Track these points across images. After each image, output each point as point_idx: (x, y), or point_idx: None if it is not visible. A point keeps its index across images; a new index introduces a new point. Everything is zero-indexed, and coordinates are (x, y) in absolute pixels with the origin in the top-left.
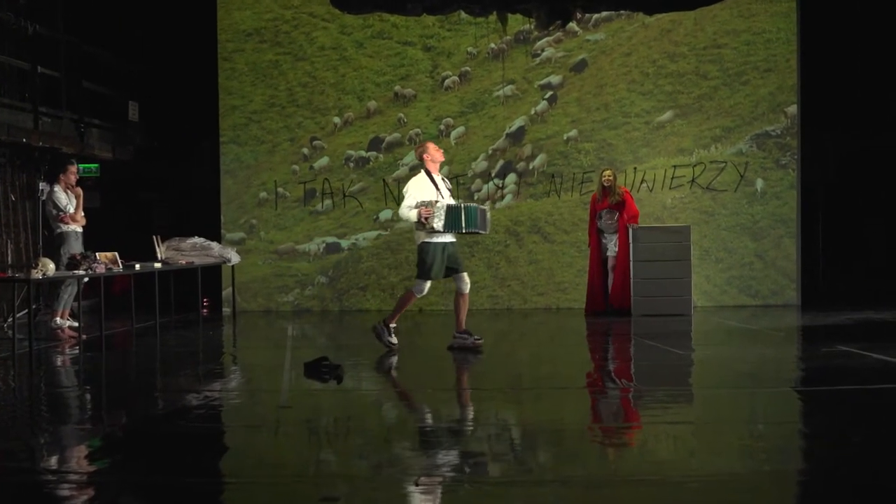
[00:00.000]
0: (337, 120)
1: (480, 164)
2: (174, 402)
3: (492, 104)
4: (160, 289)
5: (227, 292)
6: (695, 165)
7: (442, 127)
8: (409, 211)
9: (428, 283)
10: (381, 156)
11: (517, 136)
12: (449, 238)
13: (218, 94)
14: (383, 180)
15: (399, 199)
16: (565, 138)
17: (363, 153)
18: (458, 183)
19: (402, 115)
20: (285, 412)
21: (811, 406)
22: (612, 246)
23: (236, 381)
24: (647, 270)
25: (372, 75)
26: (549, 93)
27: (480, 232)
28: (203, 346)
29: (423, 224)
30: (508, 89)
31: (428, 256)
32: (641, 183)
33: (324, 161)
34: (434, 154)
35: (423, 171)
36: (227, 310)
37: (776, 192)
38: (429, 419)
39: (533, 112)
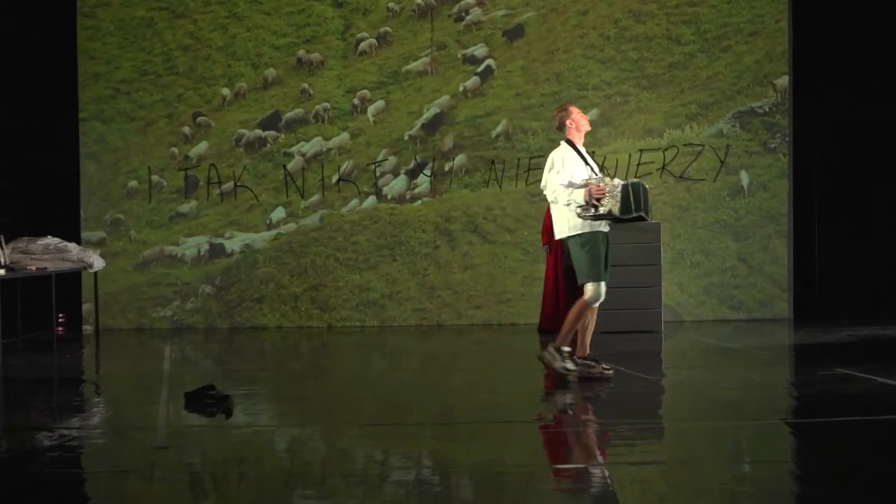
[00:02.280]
0: (226, 92)
1: (391, 159)
2: (22, 443)
3: (417, 73)
4: (4, 301)
5: (88, 306)
6: (665, 149)
7: (356, 101)
8: (566, 190)
9: (604, 286)
10: (280, 136)
11: (434, 125)
12: (605, 226)
13: (77, 59)
14: (284, 167)
15: (299, 191)
16: (494, 134)
17: (259, 133)
18: (373, 173)
19: (306, 85)
20: (161, 454)
21: (805, 441)
22: None
23: (100, 416)
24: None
25: (269, 37)
26: (484, 64)
27: (646, 218)
28: (58, 372)
29: (591, 206)
30: (438, 55)
31: (595, 250)
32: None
33: (209, 142)
34: (579, 120)
35: (564, 142)
36: (88, 328)
37: (763, 181)
38: (338, 462)
39: (461, 89)
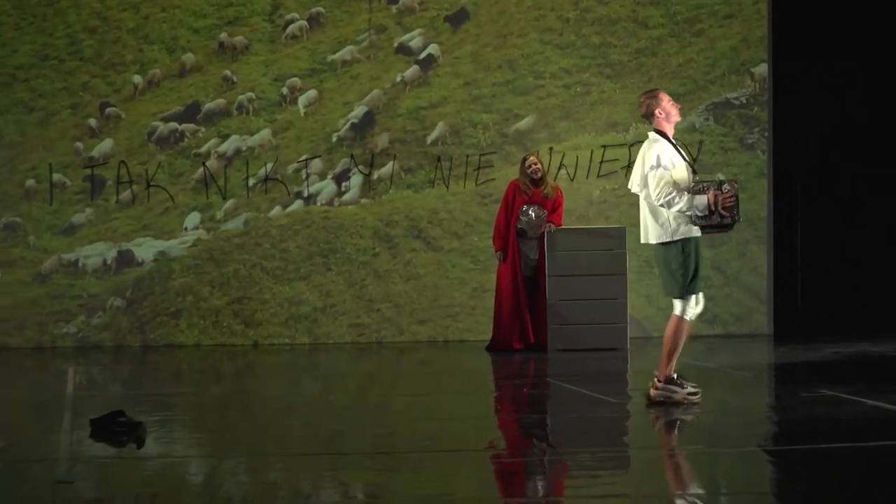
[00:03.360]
0: (138, 80)
1: (316, 162)
2: None
3: (355, 60)
4: None
5: None
6: (631, 145)
7: (285, 90)
8: (683, 194)
9: (693, 298)
10: (200, 129)
11: (366, 123)
12: (699, 231)
13: None
14: (203, 164)
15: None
16: (430, 140)
17: (175, 125)
18: (302, 173)
19: (229, 72)
20: (65, 489)
21: (787, 471)
22: (533, 253)
23: None
24: (568, 289)
25: (187, 18)
26: (425, 52)
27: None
28: None
29: (716, 215)
30: (378, 38)
31: (689, 260)
32: (559, 169)
33: (118, 137)
34: (669, 109)
35: (655, 132)
36: None
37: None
38: (264, 497)
39: (399, 79)
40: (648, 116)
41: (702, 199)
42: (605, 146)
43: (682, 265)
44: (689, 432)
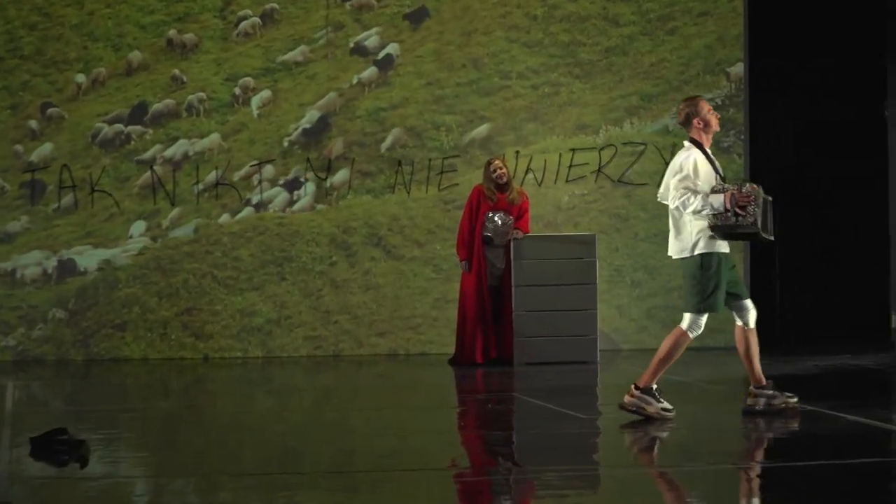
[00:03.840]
0: (81, 79)
1: (268, 167)
2: None
3: (313, 57)
4: None
5: None
6: (602, 149)
7: (238, 91)
8: (697, 194)
9: (705, 318)
10: (147, 131)
11: (319, 130)
12: (726, 247)
13: None
14: (151, 168)
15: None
16: (384, 147)
17: (121, 127)
18: (254, 178)
19: (178, 72)
20: None
21: (764, 489)
22: (499, 262)
23: None
24: (535, 299)
25: (134, 14)
26: (384, 52)
27: (770, 238)
28: None
29: (732, 214)
30: (336, 36)
31: (710, 274)
32: (526, 173)
33: (60, 139)
34: (709, 118)
35: (689, 142)
36: None
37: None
38: None
39: (356, 81)
40: (685, 124)
41: (717, 198)
42: (574, 150)
43: (699, 280)
44: (662, 449)
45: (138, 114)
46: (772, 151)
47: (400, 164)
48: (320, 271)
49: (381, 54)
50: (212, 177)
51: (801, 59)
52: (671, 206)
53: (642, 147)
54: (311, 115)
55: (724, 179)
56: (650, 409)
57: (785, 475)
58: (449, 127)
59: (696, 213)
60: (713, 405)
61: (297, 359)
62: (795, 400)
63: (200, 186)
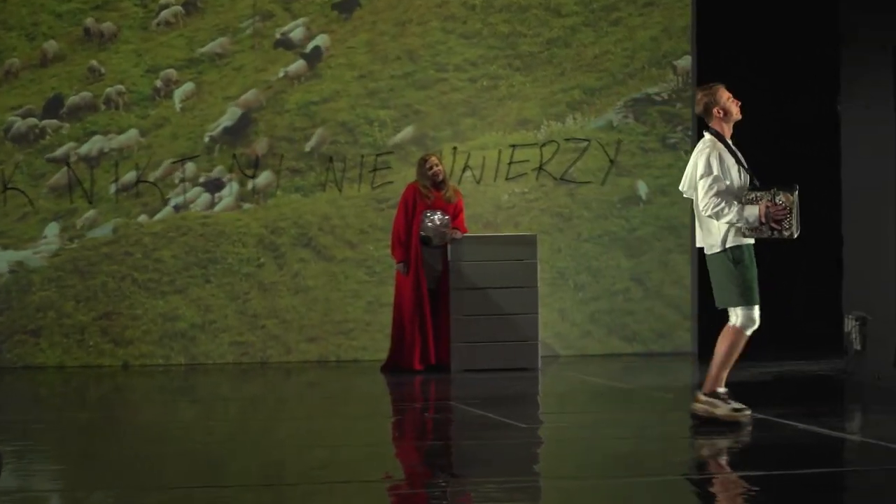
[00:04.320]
0: None
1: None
2: None
3: (239, 48)
4: None
5: None
6: (543, 145)
7: (159, 83)
8: (732, 205)
9: (757, 310)
10: (64, 126)
11: (241, 128)
12: (752, 238)
13: None
14: (67, 164)
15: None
16: (308, 148)
17: (35, 121)
18: (176, 177)
19: (96, 63)
20: None
21: (713, 501)
22: (437, 263)
23: None
24: (473, 303)
25: (50, 1)
26: (312, 44)
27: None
28: None
29: (768, 229)
30: (264, 25)
31: (744, 265)
32: (464, 171)
33: None
34: (729, 107)
35: (710, 135)
36: None
37: (662, 185)
38: None
39: (282, 74)
40: (705, 114)
41: (752, 211)
42: (514, 146)
43: (735, 275)
44: (607, 460)
45: (53, 107)
46: None
47: (331, 160)
48: (247, 273)
49: (309, 47)
50: (131, 174)
51: (751, 52)
52: (704, 213)
53: (585, 143)
54: (232, 113)
55: (749, 172)
56: (720, 412)
57: (734, 486)
58: (382, 122)
59: (729, 223)
60: (661, 413)
61: (223, 366)
62: (749, 412)
63: (120, 184)
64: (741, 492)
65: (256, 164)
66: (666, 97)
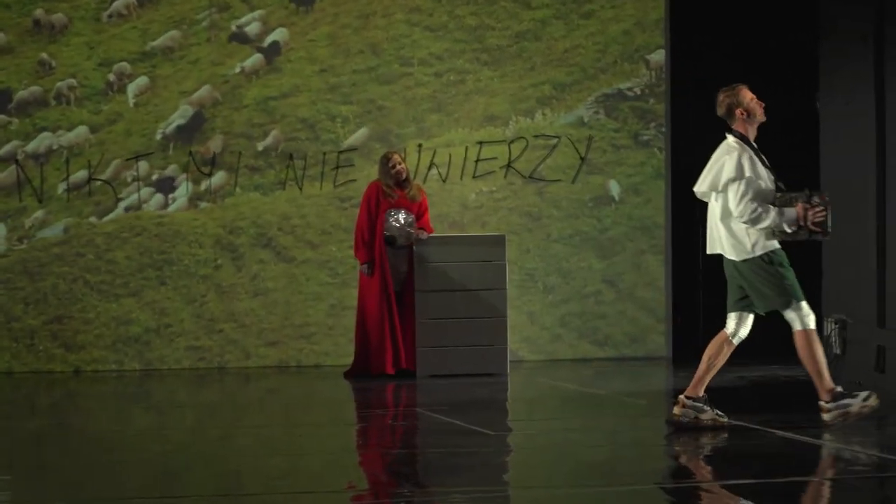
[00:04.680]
0: None
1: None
2: None
3: (195, 41)
4: None
5: None
6: (511, 142)
7: (112, 77)
8: (763, 209)
9: (806, 303)
10: (12, 121)
11: (194, 126)
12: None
13: None
14: (16, 161)
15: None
16: (261, 147)
17: None
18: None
19: (46, 56)
20: None
21: None
22: (402, 265)
23: None
24: (439, 306)
25: None
26: (270, 39)
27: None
28: None
29: (807, 231)
30: (220, 18)
31: (779, 264)
32: (430, 168)
33: None
34: (753, 108)
35: (734, 137)
36: None
37: (635, 184)
38: None
39: (239, 69)
40: (728, 116)
41: (791, 213)
42: (481, 143)
43: (774, 276)
44: (579, 468)
45: (1, 102)
46: (696, 147)
47: (291, 158)
48: (204, 275)
49: (267, 41)
50: (83, 172)
51: (727, 46)
52: (740, 219)
53: (555, 140)
54: (184, 111)
55: (773, 174)
56: (704, 417)
57: (709, 495)
58: (345, 118)
59: (766, 229)
60: (633, 420)
61: (179, 371)
62: (726, 419)
63: (70, 183)
64: (717, 501)
65: (213, 162)
66: (639, 92)
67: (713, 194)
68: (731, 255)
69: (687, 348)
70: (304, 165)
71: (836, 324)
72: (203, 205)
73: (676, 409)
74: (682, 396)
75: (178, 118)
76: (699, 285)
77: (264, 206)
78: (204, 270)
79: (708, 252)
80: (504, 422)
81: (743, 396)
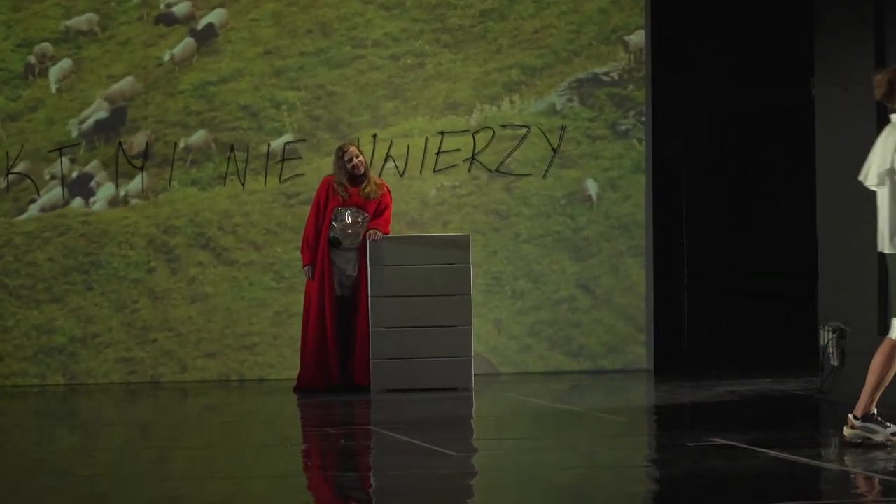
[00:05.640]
0: None
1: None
2: None
3: (125, 20)
4: None
5: None
6: (476, 132)
7: (32, 60)
8: None
9: None
10: None
11: (115, 122)
12: None
13: None
14: None
15: None
16: (183, 145)
17: None
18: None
19: None
20: None
21: None
22: (350, 268)
23: None
24: (396, 313)
25: None
26: (204, 22)
27: None
28: None
29: None
30: None
31: None
32: (385, 162)
33: None
34: None
35: None
36: None
37: (612, 178)
38: None
39: (168, 57)
40: (888, 98)
41: None
42: (443, 133)
43: None
44: (551, 492)
45: None
46: (678, 138)
47: (232, 149)
48: (135, 279)
49: (202, 23)
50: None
51: (712, 27)
52: None
53: (525, 130)
54: (99, 104)
55: None
56: (878, 438)
57: None
58: (292, 105)
59: None
60: (611, 439)
61: (108, 386)
62: None
63: None
64: None
65: (146, 155)
66: (616, 78)
67: (881, 186)
68: (888, 248)
69: (670, 360)
70: (246, 158)
71: (833, 332)
72: (134, 201)
73: (846, 431)
74: (850, 416)
75: (97, 112)
76: (683, 290)
77: (202, 203)
78: (135, 274)
79: (878, 249)
80: (468, 441)
81: (731, 413)
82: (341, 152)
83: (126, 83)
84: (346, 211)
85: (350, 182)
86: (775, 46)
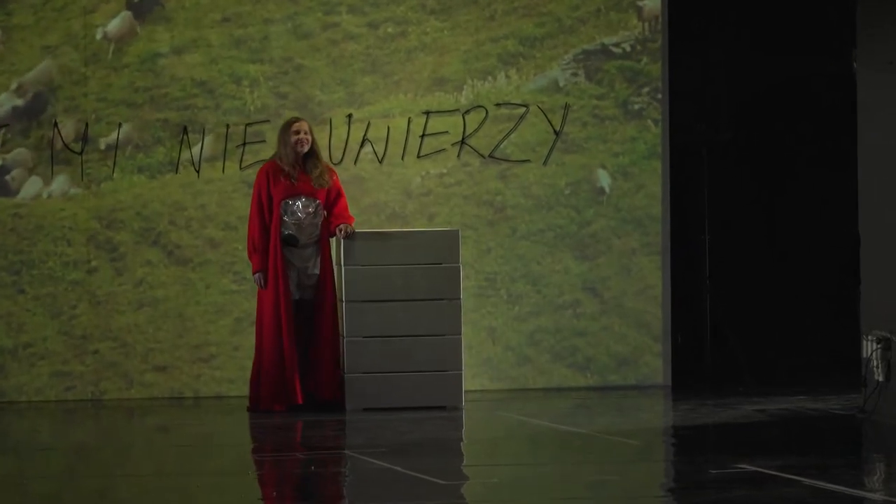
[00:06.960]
0: None
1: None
2: None
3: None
4: None
5: None
6: (466, 112)
7: None
8: None
9: None
10: None
11: (39, 109)
12: None
13: None
14: None
15: None
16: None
17: None
18: None
19: None
20: None
21: None
22: (312, 265)
23: None
24: (373, 321)
25: None
26: None
27: None
28: None
29: None
30: None
31: None
32: (362, 146)
33: None
34: None
35: None
36: None
37: (624, 165)
38: None
39: (101, 35)
40: None
41: None
42: (428, 112)
43: None
44: None
45: None
46: (698, 117)
47: (186, 131)
48: (74, 281)
49: None
50: None
51: None
52: None
53: (523, 110)
54: (18, 90)
55: None
56: None
57: None
58: (254, 80)
59: None
60: (623, 465)
61: (42, 404)
62: None
63: None
64: None
65: (85, 138)
66: (628, 49)
67: None
68: None
69: (690, 374)
70: (201, 141)
71: (878, 343)
72: (73, 191)
73: None
74: None
75: (17, 98)
76: (705, 294)
77: (151, 193)
78: (74, 275)
79: None
80: (458, 468)
81: (761, 435)
82: (287, 126)
83: (44, 69)
84: (297, 202)
85: (297, 164)
86: (811, 14)
